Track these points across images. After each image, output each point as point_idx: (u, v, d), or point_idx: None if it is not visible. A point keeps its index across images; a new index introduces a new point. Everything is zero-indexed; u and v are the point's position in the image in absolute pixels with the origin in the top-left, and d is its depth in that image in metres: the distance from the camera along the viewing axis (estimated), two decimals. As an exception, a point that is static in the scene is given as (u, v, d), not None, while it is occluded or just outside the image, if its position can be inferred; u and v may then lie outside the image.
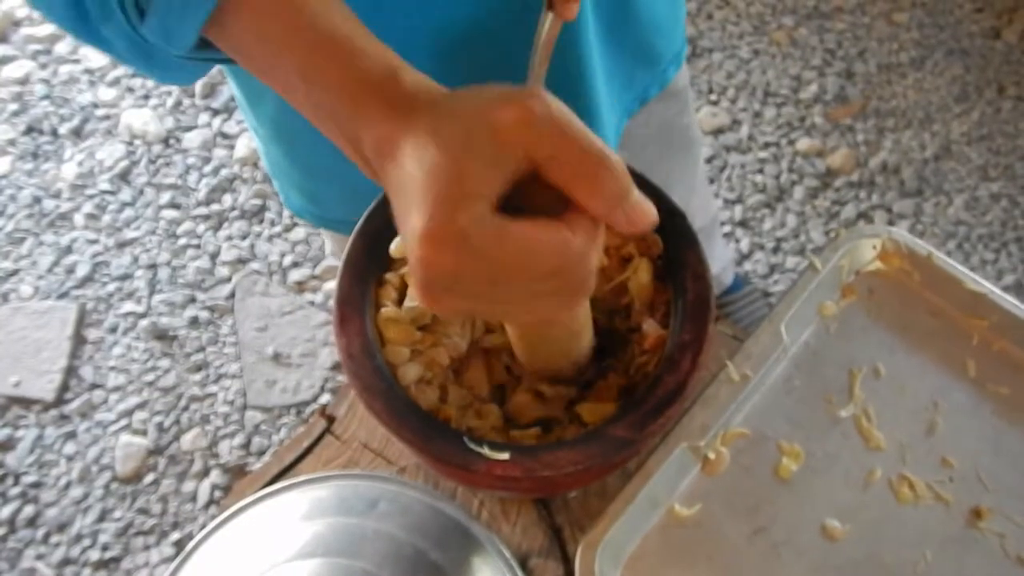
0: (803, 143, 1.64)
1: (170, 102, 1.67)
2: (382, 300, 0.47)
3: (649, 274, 0.47)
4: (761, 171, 1.61)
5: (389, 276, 0.47)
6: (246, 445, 1.33)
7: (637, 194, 0.31)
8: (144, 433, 1.34)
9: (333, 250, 0.90)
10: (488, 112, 0.28)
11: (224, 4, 0.31)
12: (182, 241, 1.52)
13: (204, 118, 1.66)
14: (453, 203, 0.28)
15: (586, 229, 0.30)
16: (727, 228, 1.55)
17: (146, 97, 1.69)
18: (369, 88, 0.31)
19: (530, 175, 0.29)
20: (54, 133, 1.64)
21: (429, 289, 0.30)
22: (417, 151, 0.29)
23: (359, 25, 0.33)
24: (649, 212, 0.31)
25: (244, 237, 1.53)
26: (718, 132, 1.66)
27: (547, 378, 0.47)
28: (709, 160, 1.62)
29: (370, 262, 0.46)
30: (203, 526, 0.52)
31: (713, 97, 1.71)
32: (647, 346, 0.46)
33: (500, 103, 0.28)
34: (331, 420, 0.59)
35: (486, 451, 0.40)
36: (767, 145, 1.65)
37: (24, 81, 1.70)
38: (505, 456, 0.40)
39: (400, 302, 0.47)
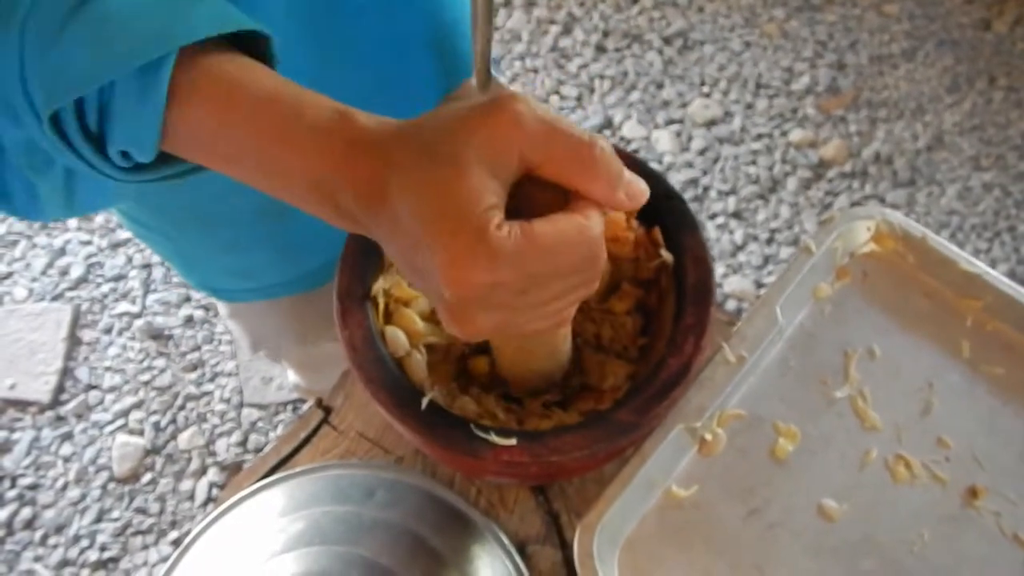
0: (796, 134, 1.65)
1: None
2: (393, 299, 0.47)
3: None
4: (754, 162, 1.61)
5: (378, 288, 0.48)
6: (243, 443, 1.33)
7: (628, 171, 0.32)
8: (141, 433, 1.34)
9: (253, 335, 0.79)
10: (474, 125, 0.28)
11: (173, 101, 0.30)
12: (176, 240, 1.52)
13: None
14: (472, 221, 0.27)
15: (595, 214, 0.31)
16: (721, 219, 1.55)
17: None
18: (330, 135, 0.30)
19: (522, 179, 0.30)
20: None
21: (464, 312, 0.30)
22: (409, 184, 0.28)
23: (294, 84, 0.32)
24: (643, 185, 0.32)
25: (238, 236, 1.53)
26: (711, 124, 1.66)
27: (533, 391, 0.48)
28: (702, 152, 1.62)
29: (367, 259, 0.46)
30: (201, 520, 0.52)
31: (705, 89, 1.71)
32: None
33: (484, 114, 0.29)
34: (328, 411, 0.58)
35: (493, 437, 0.40)
36: (760, 136, 1.65)
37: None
38: (512, 442, 0.40)
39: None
